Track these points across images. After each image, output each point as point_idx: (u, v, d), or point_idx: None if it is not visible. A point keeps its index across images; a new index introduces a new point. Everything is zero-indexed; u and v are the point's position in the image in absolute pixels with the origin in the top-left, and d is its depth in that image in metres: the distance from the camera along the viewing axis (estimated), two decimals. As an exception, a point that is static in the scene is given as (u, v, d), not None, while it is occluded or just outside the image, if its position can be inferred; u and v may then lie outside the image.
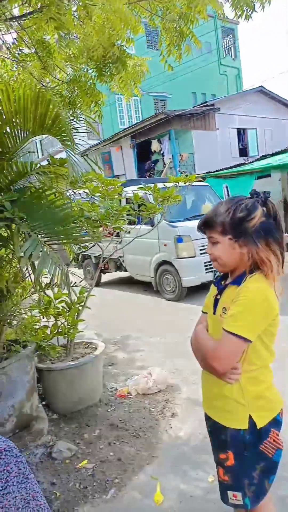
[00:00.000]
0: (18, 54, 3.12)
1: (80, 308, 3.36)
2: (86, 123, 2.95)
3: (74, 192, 3.50)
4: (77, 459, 2.56)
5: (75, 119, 3.39)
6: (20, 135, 2.42)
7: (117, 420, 2.99)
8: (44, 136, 2.80)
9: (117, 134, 16.13)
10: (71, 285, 3.11)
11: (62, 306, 3.31)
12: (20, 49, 3.13)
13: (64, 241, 2.23)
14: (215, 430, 1.46)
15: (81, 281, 3.27)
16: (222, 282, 1.48)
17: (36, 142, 23.50)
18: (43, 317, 3.34)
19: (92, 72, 3.34)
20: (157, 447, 2.64)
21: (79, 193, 3.40)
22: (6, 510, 1.60)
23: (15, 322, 3.11)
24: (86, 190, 3.27)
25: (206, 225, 1.43)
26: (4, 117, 2.34)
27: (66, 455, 2.56)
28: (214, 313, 1.45)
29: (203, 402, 1.54)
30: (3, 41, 3.08)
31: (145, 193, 3.66)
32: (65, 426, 2.96)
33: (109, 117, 19.70)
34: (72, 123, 2.53)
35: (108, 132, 18.92)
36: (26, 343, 2.95)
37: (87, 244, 3.49)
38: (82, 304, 3.36)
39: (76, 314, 3.32)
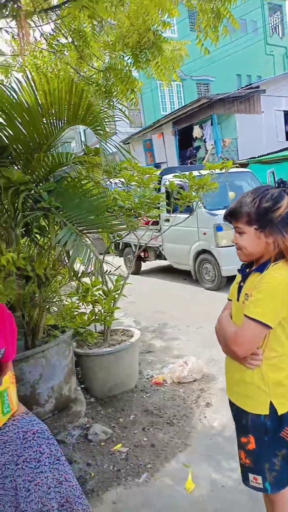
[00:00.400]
0: (56, 44, 3.16)
1: (116, 296, 3.42)
2: (122, 111, 2.95)
3: (110, 182, 3.54)
4: (112, 442, 2.63)
5: (110, 108, 3.40)
6: (56, 125, 2.46)
7: (151, 407, 3.03)
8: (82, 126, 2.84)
9: (158, 121, 15.99)
10: (107, 273, 3.16)
11: (99, 293, 3.37)
12: (57, 40, 3.17)
13: (99, 230, 2.25)
14: (238, 415, 1.48)
15: (115, 269, 3.30)
16: (247, 270, 1.48)
17: (79, 132, 23.85)
18: (82, 304, 3.44)
19: (128, 59, 3.32)
20: (191, 435, 2.66)
21: (115, 183, 3.42)
22: (39, 488, 1.70)
23: (55, 308, 3.23)
24: (122, 179, 3.29)
25: (232, 216, 1.44)
26: (41, 108, 2.39)
27: (102, 437, 2.64)
28: (238, 299, 1.46)
29: (226, 388, 1.56)
30: (41, 32, 3.13)
31: (181, 181, 3.61)
32: (101, 409, 3.05)
33: (151, 104, 19.51)
34: (105, 112, 2.54)
35: (150, 119, 18.76)
36: (65, 328, 3.05)
37: (121, 233, 3.52)
38: (118, 292, 3.41)
39: (113, 301, 3.38)
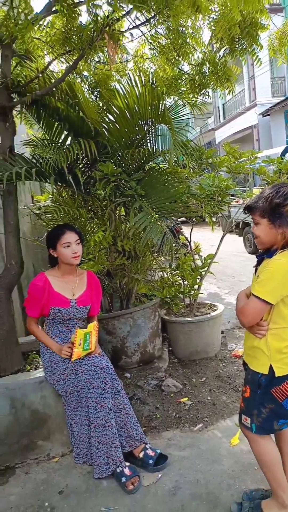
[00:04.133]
0: (156, 46, 3.52)
1: (203, 272, 3.75)
2: (202, 105, 3.20)
3: (207, 168, 3.80)
4: (180, 395, 3.07)
5: (202, 100, 3.63)
6: (143, 125, 2.89)
7: (224, 374, 3.34)
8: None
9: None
10: (189, 252, 3.51)
11: (188, 270, 3.76)
12: (158, 42, 3.52)
13: (173, 215, 2.63)
14: (246, 370, 1.81)
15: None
16: (262, 256, 1.71)
17: (217, 107, 23.56)
18: (177, 277, 3.89)
19: (224, 50, 3.47)
20: None
21: (208, 168, 3.68)
22: (103, 409, 2.27)
23: (150, 278, 3.76)
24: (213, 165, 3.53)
25: (250, 209, 1.68)
26: (133, 111, 2.85)
27: (172, 390, 3.10)
28: (254, 280, 1.71)
29: (244, 352, 1.86)
30: (143, 33, 3.53)
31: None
32: (180, 369, 3.50)
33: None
34: (181, 110, 2.87)
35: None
36: (152, 297, 3.56)
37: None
38: (205, 269, 3.74)
39: (199, 277, 3.73)
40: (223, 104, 22.75)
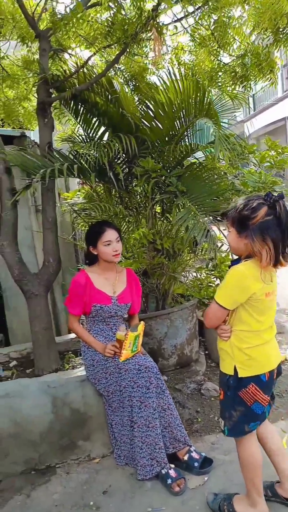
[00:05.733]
0: (197, 37, 3.62)
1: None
2: (243, 100, 3.28)
3: (247, 163, 3.86)
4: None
5: (245, 92, 3.70)
6: (185, 119, 2.99)
7: (266, 379, 3.39)
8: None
9: None
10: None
11: (226, 269, 3.82)
12: (198, 33, 3.61)
13: (215, 212, 2.72)
14: (219, 373, 1.99)
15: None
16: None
17: (248, 98, 23.44)
18: (213, 277, 3.96)
19: (267, 40, 3.53)
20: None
21: (247, 163, 3.74)
22: (147, 409, 2.37)
23: (183, 279, 3.85)
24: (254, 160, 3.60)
25: (224, 216, 1.91)
26: (175, 105, 2.95)
27: (212, 394, 3.17)
28: None
29: None
30: (184, 27, 3.63)
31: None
32: (218, 373, 3.57)
33: None
34: (226, 103, 2.96)
35: None
36: (190, 297, 3.65)
37: None
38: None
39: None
40: (253, 95, 22.61)
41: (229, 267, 1.91)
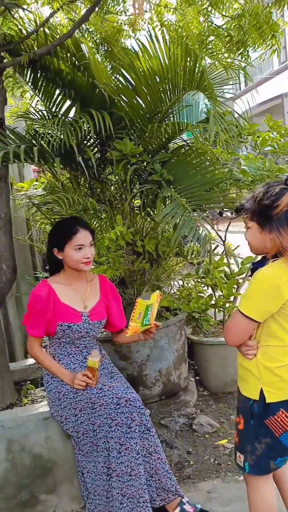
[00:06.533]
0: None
1: (241, 280, 3.80)
2: (240, 68, 3.27)
3: (245, 147, 3.86)
4: (217, 436, 3.11)
5: (243, 60, 3.70)
6: (171, 92, 2.94)
7: (270, 410, 3.38)
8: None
9: None
10: (227, 253, 3.57)
11: (220, 276, 3.81)
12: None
13: (206, 205, 2.69)
14: (238, 396, 1.96)
15: (234, 249, 3.68)
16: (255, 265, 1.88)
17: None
18: (203, 286, 3.93)
19: (268, -2, 3.55)
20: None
21: (246, 147, 3.74)
22: (129, 452, 2.30)
23: (170, 288, 3.81)
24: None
25: (239, 211, 1.84)
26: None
27: (207, 430, 3.14)
28: None
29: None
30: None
31: None
32: (213, 403, 3.54)
33: None
34: (221, 75, 2.92)
35: None
36: (177, 311, 3.60)
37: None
38: (243, 276, 3.79)
39: (235, 286, 3.77)
40: (244, 67, 22.99)
41: (252, 270, 1.87)
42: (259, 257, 1.94)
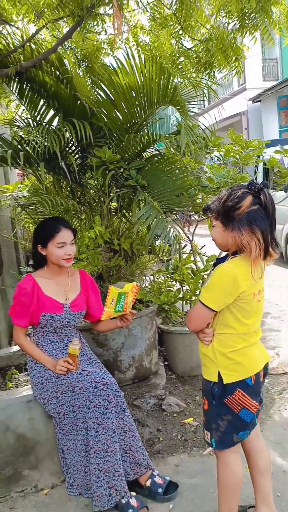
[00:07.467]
0: (157, 17, 3.57)
1: (206, 276, 3.81)
2: (207, 87, 3.28)
3: (211, 157, 3.88)
4: (184, 415, 3.11)
5: (209, 80, 3.71)
6: (146, 106, 2.92)
7: (230, 391, 3.41)
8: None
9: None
10: (195, 252, 3.58)
11: (188, 272, 3.81)
12: (159, 12, 3.57)
13: (177, 209, 2.68)
14: (202, 380, 1.97)
15: (201, 247, 3.69)
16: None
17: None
18: (172, 281, 3.93)
19: (233, 25, 3.56)
20: (265, 422, 2.97)
21: (212, 158, 3.76)
22: (105, 431, 2.28)
23: (142, 283, 3.79)
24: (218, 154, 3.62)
25: (206, 210, 1.87)
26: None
27: (175, 409, 3.14)
28: None
29: None
30: (144, 6, 3.58)
31: (282, 156, 3.75)
32: (180, 386, 3.54)
33: (288, 54, 18.40)
34: (190, 92, 2.93)
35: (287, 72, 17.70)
36: (149, 303, 3.59)
37: None
38: (208, 272, 3.80)
39: (201, 281, 3.79)
40: (208, 87, 23.13)
41: (214, 265, 1.88)
42: (223, 254, 1.96)
